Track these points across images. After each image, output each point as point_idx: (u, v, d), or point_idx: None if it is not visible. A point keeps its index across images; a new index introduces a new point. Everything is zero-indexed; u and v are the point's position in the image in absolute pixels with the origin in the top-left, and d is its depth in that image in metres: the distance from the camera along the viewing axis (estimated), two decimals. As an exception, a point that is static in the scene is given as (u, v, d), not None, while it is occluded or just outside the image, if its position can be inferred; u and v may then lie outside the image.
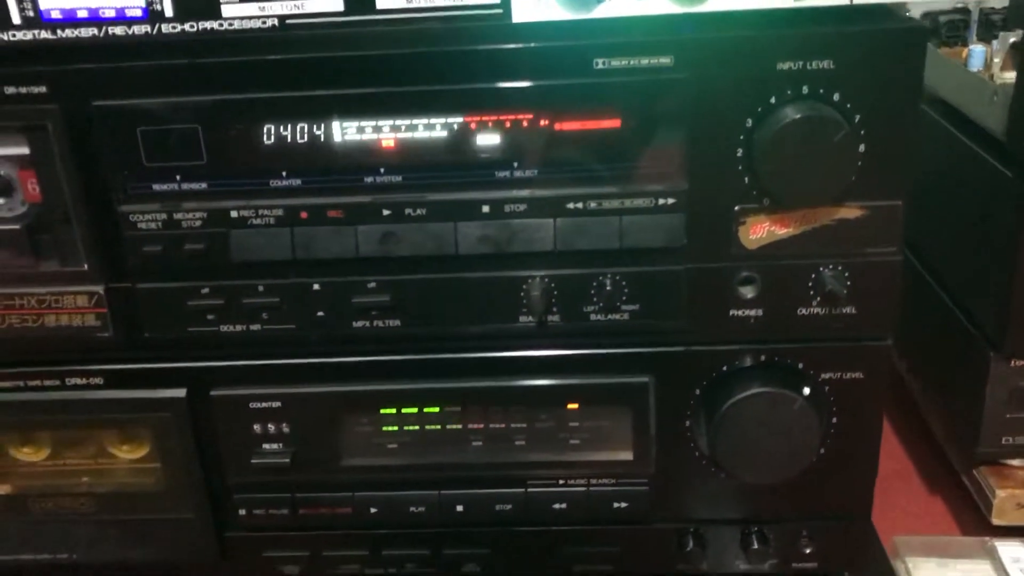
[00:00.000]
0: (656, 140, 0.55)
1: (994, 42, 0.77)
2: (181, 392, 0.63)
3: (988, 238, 0.72)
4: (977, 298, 0.75)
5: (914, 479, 0.87)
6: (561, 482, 0.65)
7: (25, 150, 0.57)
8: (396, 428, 0.64)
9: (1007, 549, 0.77)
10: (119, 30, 0.54)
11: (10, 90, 0.55)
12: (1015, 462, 0.77)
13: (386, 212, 0.57)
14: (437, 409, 0.63)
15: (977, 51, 0.78)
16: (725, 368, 0.61)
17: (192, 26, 0.54)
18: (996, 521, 0.76)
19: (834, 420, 0.62)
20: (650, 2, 0.52)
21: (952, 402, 0.80)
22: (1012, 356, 0.72)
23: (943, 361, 0.81)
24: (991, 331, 0.73)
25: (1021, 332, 0.70)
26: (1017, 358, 0.72)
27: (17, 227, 0.59)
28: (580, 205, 0.56)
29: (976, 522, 0.80)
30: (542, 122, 0.55)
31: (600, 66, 0.53)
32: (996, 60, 0.75)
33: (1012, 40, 0.73)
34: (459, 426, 0.64)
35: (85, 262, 0.59)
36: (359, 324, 0.60)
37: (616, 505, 0.65)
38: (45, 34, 0.54)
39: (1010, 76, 0.72)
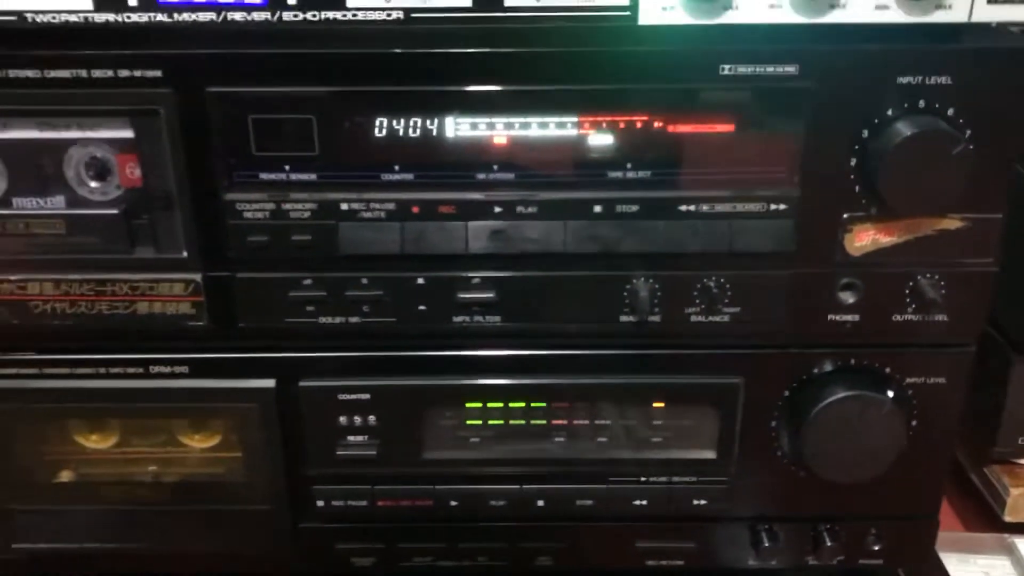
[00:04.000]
0: (772, 147, 0.56)
1: None
2: (270, 383, 0.63)
3: (1014, 240, 0.72)
4: (1000, 302, 0.76)
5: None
6: (643, 478, 0.66)
7: (128, 133, 0.56)
8: (480, 422, 0.64)
9: (1027, 544, 0.80)
10: (238, 16, 0.53)
11: (124, 73, 0.53)
12: (1025, 461, 0.80)
13: (497, 209, 0.57)
14: (523, 404, 0.64)
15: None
16: (816, 370, 0.62)
17: (315, 15, 0.53)
18: (1008, 518, 0.79)
19: (913, 423, 0.64)
20: (774, 11, 0.53)
21: (970, 403, 0.82)
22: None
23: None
24: (1015, 334, 0.75)
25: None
26: (1039, 361, 0.73)
27: (115, 212, 0.57)
28: (692, 208, 0.57)
29: (978, 518, 0.82)
30: (658, 124, 0.56)
31: (727, 72, 0.54)
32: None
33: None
34: (544, 421, 0.64)
35: (185, 249, 0.58)
36: (459, 319, 0.60)
37: (696, 502, 0.66)
38: (161, 17, 0.53)
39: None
